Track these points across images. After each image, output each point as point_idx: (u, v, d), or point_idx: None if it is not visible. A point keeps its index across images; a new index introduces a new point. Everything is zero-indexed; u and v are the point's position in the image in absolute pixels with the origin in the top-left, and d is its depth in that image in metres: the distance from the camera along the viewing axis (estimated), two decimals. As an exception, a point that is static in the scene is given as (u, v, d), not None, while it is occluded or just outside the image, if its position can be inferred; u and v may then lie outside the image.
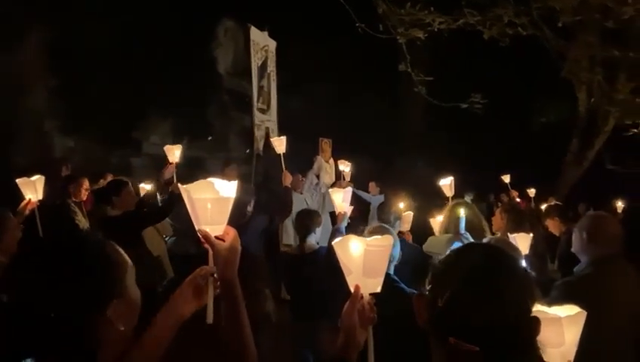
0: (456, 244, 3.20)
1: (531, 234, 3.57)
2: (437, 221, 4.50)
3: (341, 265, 1.47)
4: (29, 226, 4.15)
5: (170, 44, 10.07)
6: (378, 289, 1.47)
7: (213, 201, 1.36)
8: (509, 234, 3.59)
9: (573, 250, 3.03)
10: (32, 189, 4.14)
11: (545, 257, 4.78)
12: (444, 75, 8.51)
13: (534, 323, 1.09)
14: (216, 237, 1.37)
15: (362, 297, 1.46)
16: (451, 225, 3.57)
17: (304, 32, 10.76)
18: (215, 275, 1.38)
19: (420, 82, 6.98)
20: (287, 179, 5.07)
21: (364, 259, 1.44)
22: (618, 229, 2.93)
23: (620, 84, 8.17)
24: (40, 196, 4.20)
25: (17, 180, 4.19)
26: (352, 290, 1.46)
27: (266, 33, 8.67)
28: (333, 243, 1.46)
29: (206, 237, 1.36)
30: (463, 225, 3.31)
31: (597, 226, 2.90)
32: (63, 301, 1.07)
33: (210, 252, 1.37)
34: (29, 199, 4.12)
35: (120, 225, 4.27)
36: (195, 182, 1.39)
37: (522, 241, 3.42)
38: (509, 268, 1.13)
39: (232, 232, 1.39)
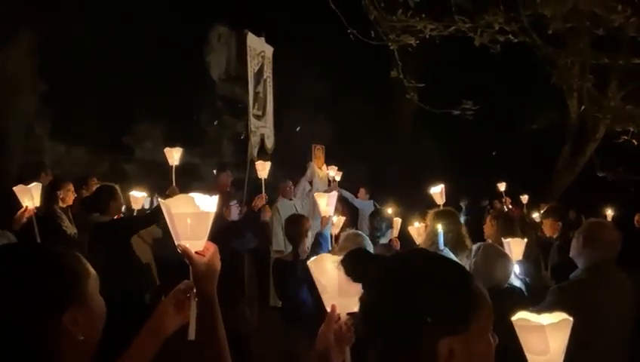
0: None
1: (525, 239, 3.58)
2: (415, 228, 4.49)
3: (316, 283, 1.43)
4: (26, 233, 4.13)
5: (163, 50, 10.05)
6: (355, 309, 1.38)
7: (193, 216, 1.35)
8: (502, 239, 3.61)
9: (571, 254, 3.06)
10: (29, 196, 4.13)
11: (538, 263, 4.79)
12: (435, 82, 8.54)
13: (432, 333, 1.02)
14: (197, 252, 1.36)
15: (339, 317, 1.42)
16: (431, 240, 3.55)
17: (297, 38, 10.77)
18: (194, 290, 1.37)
19: (411, 88, 6.99)
20: (258, 204, 5.27)
21: (339, 278, 1.37)
22: (615, 236, 2.97)
23: (610, 91, 8.24)
24: (37, 203, 4.20)
25: (15, 188, 4.18)
26: (328, 310, 1.42)
27: (262, 39, 8.68)
28: (308, 262, 1.42)
29: (185, 252, 1.35)
30: (441, 240, 3.29)
31: (593, 232, 2.95)
32: (12, 305, 1.04)
33: (191, 267, 1.36)
34: (26, 206, 4.11)
35: (109, 231, 4.25)
36: (174, 197, 1.39)
37: (516, 246, 3.43)
38: (418, 274, 1.07)
39: (212, 248, 1.39)
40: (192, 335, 1.35)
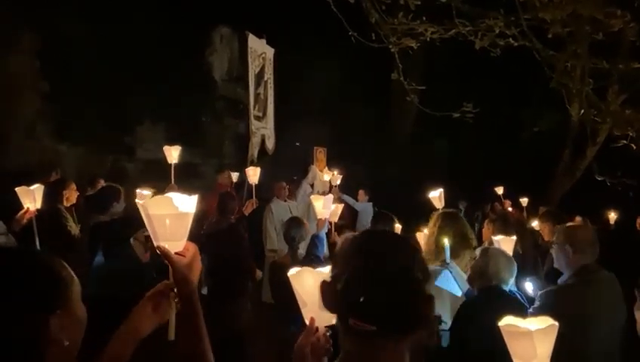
0: (445, 274, 3.23)
1: (514, 237, 3.60)
2: (422, 234, 4.47)
3: (296, 296, 1.42)
4: (26, 234, 4.15)
5: (165, 50, 10.08)
6: (333, 322, 1.39)
7: (171, 217, 1.34)
8: (492, 237, 3.64)
9: (556, 265, 3.07)
10: (31, 198, 4.14)
11: (536, 266, 4.80)
12: (436, 85, 8.54)
13: (427, 301, 1.14)
14: (177, 253, 1.35)
15: (317, 330, 1.42)
16: (437, 252, 3.56)
17: (298, 40, 10.79)
18: (175, 290, 1.37)
19: (412, 91, 6.98)
20: (249, 208, 5.39)
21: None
22: (593, 235, 3.00)
23: (609, 95, 8.24)
24: (39, 205, 4.21)
25: (17, 189, 4.19)
26: (307, 323, 1.42)
27: (264, 41, 8.73)
28: (289, 274, 1.40)
29: (165, 253, 1.34)
30: (448, 254, 3.33)
31: (571, 236, 2.95)
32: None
33: (170, 268, 1.36)
34: (27, 208, 4.12)
35: (108, 231, 4.27)
36: (153, 198, 1.39)
37: (506, 245, 3.46)
38: (397, 251, 1.18)
39: (193, 248, 1.38)
40: (171, 335, 1.35)
